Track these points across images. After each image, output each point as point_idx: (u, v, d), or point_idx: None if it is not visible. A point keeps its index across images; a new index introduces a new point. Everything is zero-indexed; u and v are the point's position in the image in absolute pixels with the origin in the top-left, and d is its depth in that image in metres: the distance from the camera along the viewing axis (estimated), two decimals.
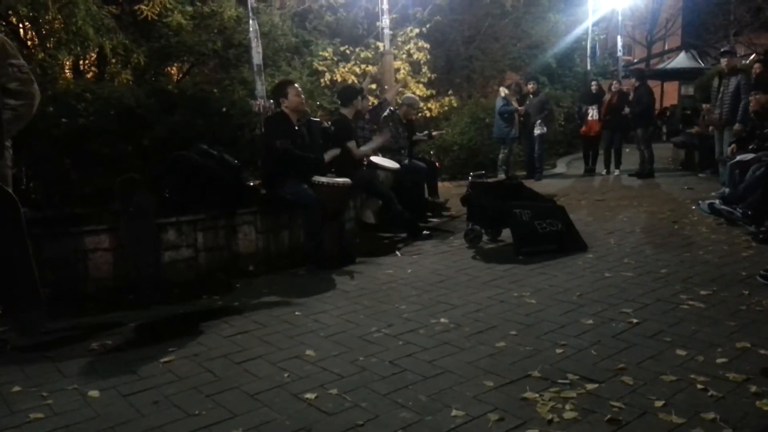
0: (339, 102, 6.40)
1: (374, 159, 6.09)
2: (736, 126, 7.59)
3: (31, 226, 3.72)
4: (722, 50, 8.92)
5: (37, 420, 2.44)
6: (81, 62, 8.97)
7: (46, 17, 7.18)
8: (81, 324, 3.60)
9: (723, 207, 5.98)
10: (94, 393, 2.65)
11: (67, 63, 8.37)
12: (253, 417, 2.40)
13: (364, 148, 5.91)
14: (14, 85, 3.37)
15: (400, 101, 7.74)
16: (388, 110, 6.95)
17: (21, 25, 8.04)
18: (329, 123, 6.02)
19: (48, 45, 7.56)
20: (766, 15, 19.05)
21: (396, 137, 6.81)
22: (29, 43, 8.09)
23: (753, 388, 2.46)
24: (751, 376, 2.57)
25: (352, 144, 5.75)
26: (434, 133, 8.27)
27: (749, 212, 5.67)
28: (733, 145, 6.93)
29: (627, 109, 10.11)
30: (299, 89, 5.04)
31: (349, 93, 6.15)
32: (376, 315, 3.62)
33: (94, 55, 8.69)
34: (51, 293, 3.70)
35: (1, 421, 2.44)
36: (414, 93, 11.22)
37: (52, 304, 3.59)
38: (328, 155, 5.36)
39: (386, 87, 9.05)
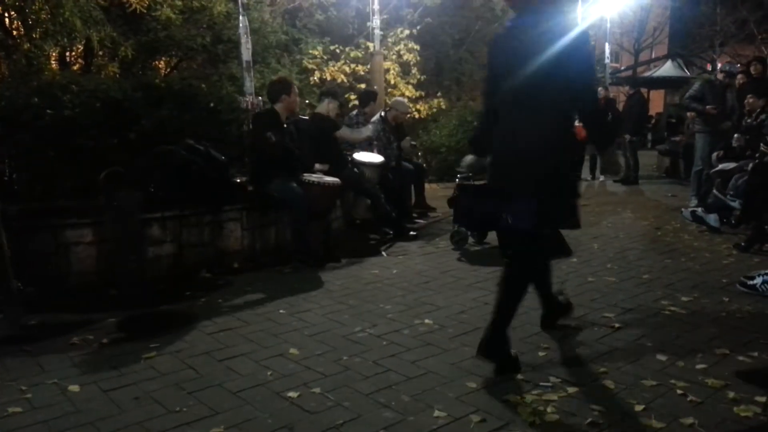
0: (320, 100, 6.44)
1: (357, 156, 6.05)
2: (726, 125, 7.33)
3: (14, 219, 3.68)
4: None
5: (16, 414, 2.41)
6: (67, 54, 8.88)
7: (33, 7, 7.09)
8: (62, 318, 3.56)
9: (703, 215, 6.11)
10: (74, 388, 2.63)
11: (54, 54, 8.28)
12: (235, 414, 2.39)
13: (354, 134, 6.10)
14: None
15: (389, 102, 7.72)
16: (378, 115, 6.88)
17: (7, 15, 7.93)
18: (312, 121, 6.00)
19: (34, 35, 7.46)
20: (751, 27, 19.33)
21: (386, 146, 6.69)
22: (15, 33, 7.98)
23: (731, 394, 2.49)
24: (730, 382, 2.61)
25: (343, 131, 5.93)
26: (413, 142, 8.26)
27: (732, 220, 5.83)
28: (719, 152, 6.97)
29: (609, 115, 10.17)
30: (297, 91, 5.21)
31: (331, 91, 6.26)
32: (360, 315, 3.63)
33: (81, 47, 8.60)
34: (33, 287, 3.66)
35: None
36: (403, 94, 11.24)
37: (33, 298, 3.56)
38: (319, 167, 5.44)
39: (374, 87, 9.04)
